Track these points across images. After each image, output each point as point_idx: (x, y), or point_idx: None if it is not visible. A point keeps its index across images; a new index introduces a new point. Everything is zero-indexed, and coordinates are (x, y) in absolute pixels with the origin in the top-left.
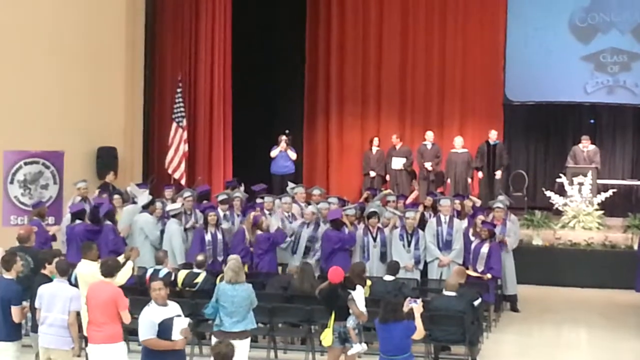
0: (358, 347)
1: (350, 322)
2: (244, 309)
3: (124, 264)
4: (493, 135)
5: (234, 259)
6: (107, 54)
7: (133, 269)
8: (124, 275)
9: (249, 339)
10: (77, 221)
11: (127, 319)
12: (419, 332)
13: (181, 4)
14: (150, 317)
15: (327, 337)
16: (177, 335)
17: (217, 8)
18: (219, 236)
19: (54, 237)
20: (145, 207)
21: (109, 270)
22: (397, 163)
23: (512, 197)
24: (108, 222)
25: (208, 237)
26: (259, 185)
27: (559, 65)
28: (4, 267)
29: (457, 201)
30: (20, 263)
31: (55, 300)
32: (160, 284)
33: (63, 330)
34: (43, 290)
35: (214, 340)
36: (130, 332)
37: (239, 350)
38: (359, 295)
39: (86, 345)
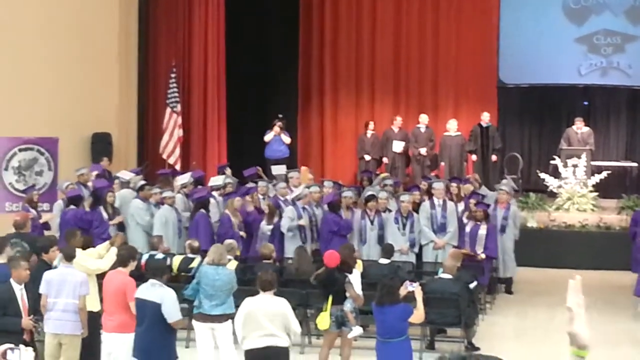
0: (357, 330)
1: (348, 306)
2: (224, 293)
3: (109, 250)
4: (485, 118)
5: (228, 243)
6: (101, 40)
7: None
8: (108, 262)
9: (229, 322)
10: (72, 207)
11: (135, 310)
12: (419, 316)
13: None
14: (176, 299)
15: (324, 321)
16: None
17: None
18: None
19: (46, 225)
20: (138, 192)
21: (122, 260)
22: (398, 146)
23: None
24: (100, 208)
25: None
26: (249, 169)
27: (552, 48)
28: None
29: (453, 184)
30: (9, 248)
31: (64, 285)
32: None
33: (75, 315)
34: (50, 276)
35: (194, 323)
36: None
37: (220, 333)
38: (355, 278)
39: None
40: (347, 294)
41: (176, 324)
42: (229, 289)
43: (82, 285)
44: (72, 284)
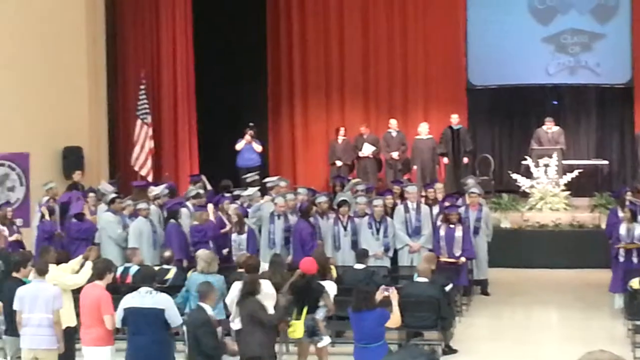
0: (326, 340)
1: (321, 314)
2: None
3: (83, 264)
4: (455, 120)
5: (207, 250)
6: (69, 54)
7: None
8: (84, 276)
9: (219, 328)
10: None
11: (109, 324)
12: (396, 320)
13: (141, 0)
14: None
15: (298, 330)
16: None
17: (178, 3)
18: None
19: (20, 242)
20: (109, 205)
21: (99, 273)
22: (368, 149)
23: (479, 181)
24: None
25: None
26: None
27: (520, 48)
28: None
29: (430, 190)
30: None
31: (37, 300)
32: None
33: (51, 329)
34: (23, 292)
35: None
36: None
37: None
38: (331, 287)
39: None
40: (321, 303)
41: (178, 329)
42: (219, 295)
43: (55, 299)
44: (45, 298)
